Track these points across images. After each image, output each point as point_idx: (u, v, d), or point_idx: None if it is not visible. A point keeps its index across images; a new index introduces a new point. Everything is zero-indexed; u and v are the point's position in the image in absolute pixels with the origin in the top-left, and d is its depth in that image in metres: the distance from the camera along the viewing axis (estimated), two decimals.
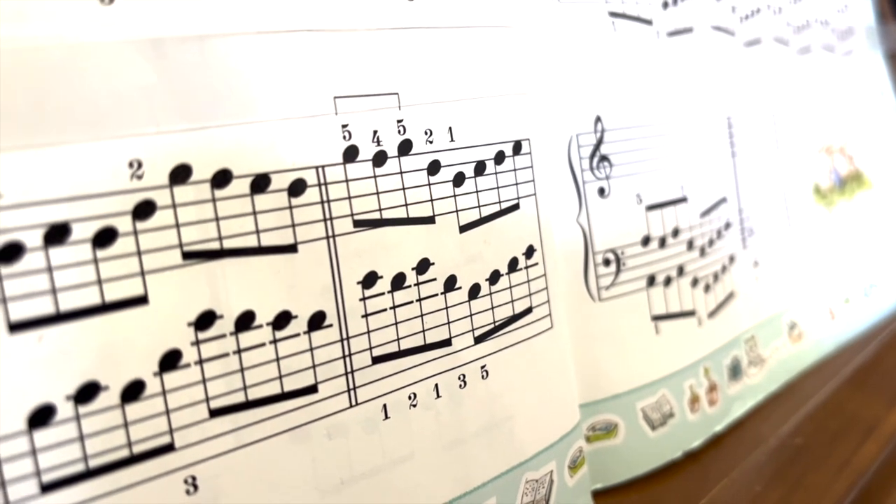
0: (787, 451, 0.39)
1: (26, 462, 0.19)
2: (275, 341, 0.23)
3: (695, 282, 0.39)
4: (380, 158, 0.25)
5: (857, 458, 0.40)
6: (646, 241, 0.36)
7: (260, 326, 0.23)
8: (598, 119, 0.35)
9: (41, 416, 0.19)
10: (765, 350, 0.45)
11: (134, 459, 0.20)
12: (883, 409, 0.45)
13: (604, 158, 0.35)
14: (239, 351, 0.22)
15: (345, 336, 0.24)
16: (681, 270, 0.38)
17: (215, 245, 0.22)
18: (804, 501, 0.37)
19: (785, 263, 0.48)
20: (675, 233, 0.38)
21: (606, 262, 0.34)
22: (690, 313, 0.38)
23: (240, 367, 0.22)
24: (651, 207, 0.37)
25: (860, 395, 0.46)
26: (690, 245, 0.39)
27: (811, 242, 0.51)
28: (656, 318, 0.36)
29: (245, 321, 0.22)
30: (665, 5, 0.39)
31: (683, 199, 0.38)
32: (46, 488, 0.19)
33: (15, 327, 0.18)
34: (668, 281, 0.37)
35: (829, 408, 0.44)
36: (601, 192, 0.35)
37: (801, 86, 0.52)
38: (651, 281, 0.36)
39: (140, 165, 0.20)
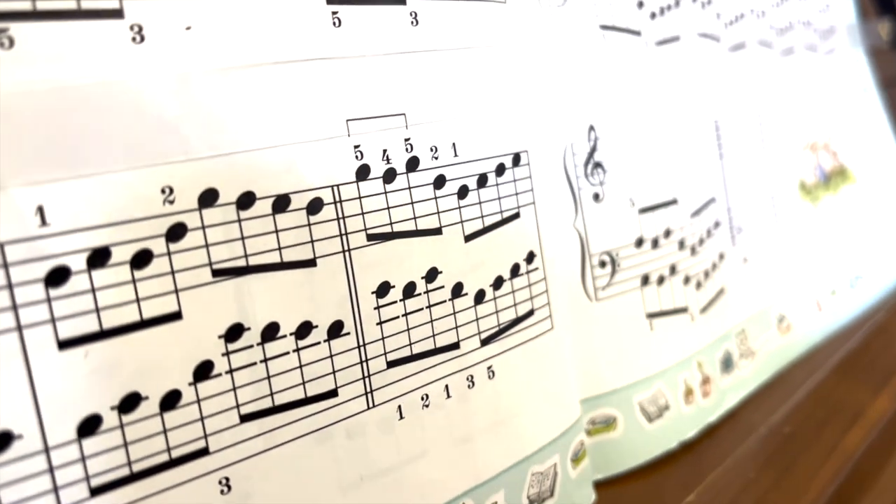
0: (777, 438, 0.41)
1: (77, 468, 0.20)
2: (298, 350, 0.25)
3: (687, 280, 0.41)
4: (389, 175, 0.27)
5: (844, 444, 0.42)
6: (639, 242, 0.38)
7: (284, 336, 0.24)
8: (592, 128, 0.36)
9: (89, 426, 0.20)
10: (755, 343, 0.46)
11: (173, 463, 0.22)
12: (868, 396, 0.47)
13: (598, 165, 0.36)
14: (265, 360, 0.24)
15: (361, 343, 0.26)
16: (673, 269, 0.40)
17: (241, 262, 0.23)
18: (795, 486, 0.39)
19: (773, 259, 0.49)
20: (667, 234, 0.40)
21: (602, 264, 0.36)
22: (683, 310, 0.40)
23: (266, 375, 0.24)
24: (643, 210, 0.38)
25: (846, 384, 0.48)
26: (682, 245, 0.41)
27: (798, 237, 0.53)
28: (651, 315, 0.38)
29: (270, 332, 0.24)
30: (653, 16, 0.41)
31: (674, 202, 0.40)
32: (95, 492, 0.21)
33: (64, 344, 0.20)
34: (661, 280, 0.39)
35: (817, 396, 0.46)
36: (596, 197, 0.36)
37: (785, 86, 0.54)
38: (645, 280, 0.38)
39: (171, 191, 0.22)
